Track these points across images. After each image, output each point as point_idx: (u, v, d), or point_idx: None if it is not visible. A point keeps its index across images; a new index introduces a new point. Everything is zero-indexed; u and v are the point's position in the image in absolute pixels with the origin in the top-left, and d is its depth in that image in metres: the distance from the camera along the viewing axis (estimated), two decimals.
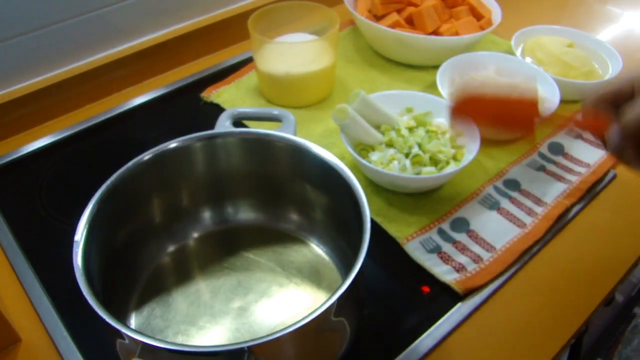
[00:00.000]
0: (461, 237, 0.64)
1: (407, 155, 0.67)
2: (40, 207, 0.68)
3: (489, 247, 0.62)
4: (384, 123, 0.71)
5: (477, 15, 0.91)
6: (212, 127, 0.60)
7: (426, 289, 0.59)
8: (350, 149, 0.66)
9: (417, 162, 0.66)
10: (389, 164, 0.66)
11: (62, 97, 0.81)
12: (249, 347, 0.38)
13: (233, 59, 0.93)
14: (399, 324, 0.56)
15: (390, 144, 0.68)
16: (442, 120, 0.72)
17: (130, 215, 0.55)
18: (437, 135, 0.70)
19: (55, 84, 0.80)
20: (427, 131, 0.70)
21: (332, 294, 0.41)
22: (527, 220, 0.66)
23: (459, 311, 0.57)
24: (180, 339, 0.52)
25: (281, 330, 0.39)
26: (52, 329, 0.55)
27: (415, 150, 0.67)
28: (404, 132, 0.69)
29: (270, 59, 0.80)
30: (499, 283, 0.60)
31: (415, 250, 0.62)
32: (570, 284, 0.61)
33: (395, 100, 0.74)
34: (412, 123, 0.71)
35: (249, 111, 0.65)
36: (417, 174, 0.66)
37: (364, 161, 0.65)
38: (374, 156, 0.68)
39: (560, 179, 0.71)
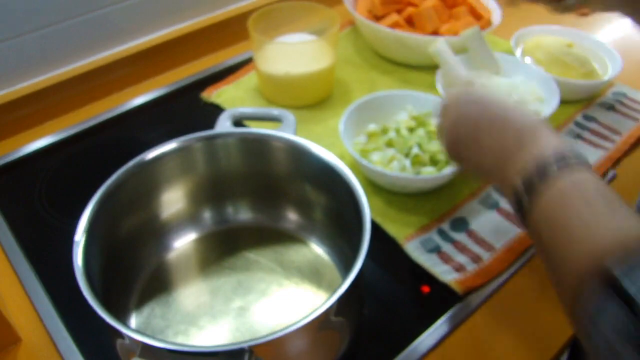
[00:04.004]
0: (461, 237, 0.64)
1: (407, 155, 0.67)
2: (40, 207, 0.68)
3: (488, 247, 0.62)
4: (486, 67, 0.80)
5: (477, 15, 0.91)
6: (212, 127, 0.60)
7: (426, 288, 0.59)
8: (350, 149, 0.66)
9: (417, 162, 0.66)
10: (389, 164, 0.67)
11: (62, 97, 0.81)
12: (250, 347, 0.38)
13: (233, 59, 0.93)
14: (399, 324, 0.56)
15: (390, 144, 0.69)
16: None
17: (130, 215, 0.55)
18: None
19: (55, 84, 0.80)
20: (427, 131, 0.70)
21: (332, 294, 0.41)
22: None
23: (459, 311, 0.57)
24: (180, 339, 0.52)
25: (281, 330, 0.39)
26: (52, 329, 0.55)
27: (415, 150, 0.67)
28: (404, 132, 0.69)
29: (271, 59, 0.80)
30: (498, 283, 0.60)
31: (415, 250, 0.62)
32: None
33: (395, 100, 0.74)
34: (412, 123, 0.71)
35: (249, 111, 0.65)
36: (417, 174, 0.66)
37: (364, 161, 0.65)
38: (374, 156, 0.68)
39: None
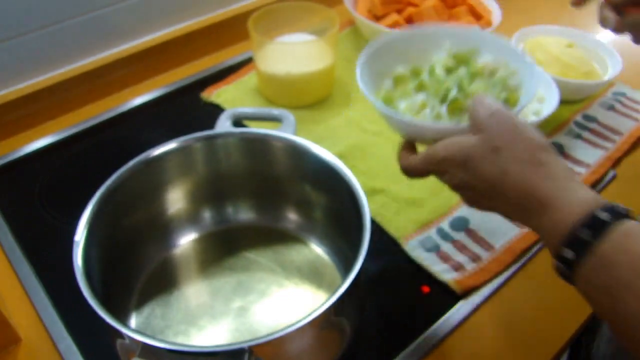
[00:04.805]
0: (460, 236, 0.64)
1: (443, 101, 0.52)
2: (40, 207, 0.68)
3: (488, 247, 0.62)
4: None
5: (477, 15, 0.91)
6: (212, 127, 0.60)
7: (426, 288, 0.59)
8: (370, 97, 0.52)
9: (456, 107, 0.51)
10: (420, 113, 0.52)
11: (62, 97, 0.81)
12: (249, 347, 0.38)
13: (233, 59, 0.93)
14: (399, 324, 0.56)
15: (421, 88, 0.54)
16: (490, 58, 0.55)
17: (130, 215, 0.55)
18: (483, 76, 0.54)
19: (55, 84, 0.80)
20: (470, 72, 0.54)
21: (332, 294, 0.41)
22: None
23: (459, 311, 0.57)
24: (180, 339, 0.52)
25: (281, 330, 0.39)
26: (52, 329, 0.55)
27: (454, 93, 0.51)
28: (440, 72, 0.54)
29: (271, 59, 0.80)
30: (498, 283, 0.60)
31: (414, 249, 0.62)
32: None
33: (431, 39, 0.57)
34: (451, 63, 0.55)
35: (249, 111, 0.65)
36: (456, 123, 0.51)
37: (386, 109, 0.51)
38: (401, 104, 0.54)
39: None
